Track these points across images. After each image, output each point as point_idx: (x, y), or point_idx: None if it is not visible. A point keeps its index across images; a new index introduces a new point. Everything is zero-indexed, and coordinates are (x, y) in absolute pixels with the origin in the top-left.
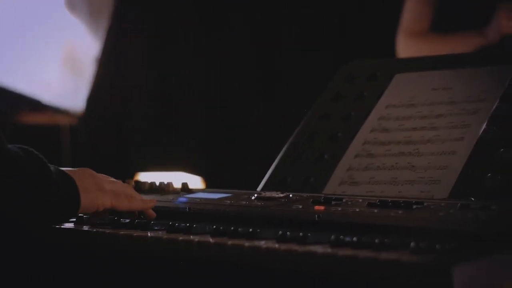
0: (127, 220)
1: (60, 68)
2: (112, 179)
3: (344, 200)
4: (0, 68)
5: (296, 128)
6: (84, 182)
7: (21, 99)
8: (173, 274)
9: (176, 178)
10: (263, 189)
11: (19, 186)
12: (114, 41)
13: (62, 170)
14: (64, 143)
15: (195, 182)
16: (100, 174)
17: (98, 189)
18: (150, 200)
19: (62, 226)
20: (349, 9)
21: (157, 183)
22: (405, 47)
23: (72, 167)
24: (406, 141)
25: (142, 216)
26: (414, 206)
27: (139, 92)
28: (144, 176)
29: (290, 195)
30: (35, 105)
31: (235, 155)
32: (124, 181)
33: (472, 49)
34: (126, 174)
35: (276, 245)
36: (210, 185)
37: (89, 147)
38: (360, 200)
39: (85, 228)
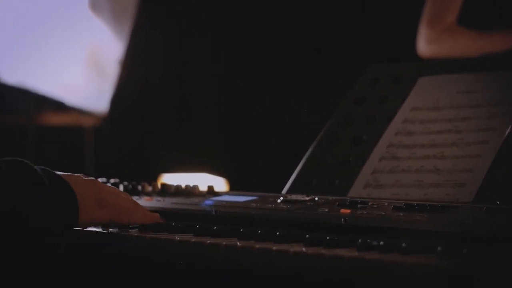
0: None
1: (84, 70)
2: (117, 191)
3: (369, 204)
4: (24, 70)
5: (315, 129)
6: (85, 197)
7: (45, 100)
8: (199, 277)
9: (200, 180)
10: (288, 191)
11: (9, 201)
12: (137, 42)
13: (64, 183)
14: (88, 144)
15: (219, 183)
16: (105, 185)
17: (97, 205)
18: (152, 215)
19: (87, 229)
20: (362, 9)
21: (183, 186)
22: (428, 40)
23: (95, 169)
24: (431, 144)
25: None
26: (440, 210)
27: (161, 93)
28: (168, 178)
29: (316, 198)
30: (58, 107)
31: (257, 156)
32: (150, 183)
33: (502, 48)
34: (148, 175)
35: (303, 249)
36: (234, 186)
37: (112, 148)
38: (386, 204)
39: (112, 231)
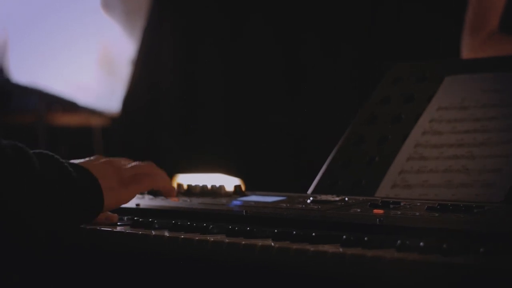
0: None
1: (96, 69)
2: (131, 162)
3: (402, 204)
4: (36, 69)
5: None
6: (107, 181)
7: (56, 100)
8: (232, 278)
9: (216, 180)
10: (314, 191)
11: (40, 191)
12: (150, 43)
13: (85, 169)
14: (98, 144)
15: (235, 183)
16: (118, 159)
17: (120, 185)
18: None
19: (117, 229)
20: (376, 8)
21: (209, 186)
22: (471, 49)
23: None
24: (459, 144)
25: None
26: (475, 210)
27: (173, 93)
28: (184, 178)
29: (346, 199)
30: (69, 106)
31: (271, 155)
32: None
33: None
34: None
35: (341, 250)
36: (249, 186)
37: (123, 148)
38: (418, 204)
39: (143, 232)
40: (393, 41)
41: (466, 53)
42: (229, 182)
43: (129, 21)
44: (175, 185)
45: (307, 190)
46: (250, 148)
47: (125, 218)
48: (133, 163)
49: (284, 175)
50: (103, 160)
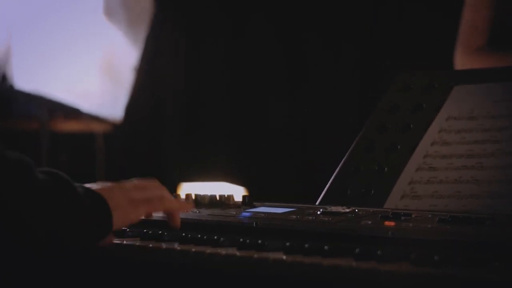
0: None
1: (98, 76)
2: (141, 183)
3: (413, 216)
4: (38, 76)
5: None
6: (115, 199)
7: (59, 107)
8: None
9: (221, 189)
10: (322, 201)
11: (49, 212)
12: (152, 49)
13: (92, 190)
14: (100, 151)
15: (239, 192)
16: (127, 182)
17: (129, 204)
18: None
19: (126, 242)
20: (378, 8)
21: (217, 197)
22: (462, 63)
23: (108, 176)
24: (468, 155)
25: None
26: (487, 222)
27: (176, 100)
28: (188, 187)
29: (356, 210)
30: (72, 113)
31: (275, 164)
32: (183, 195)
33: None
34: (163, 184)
35: (354, 264)
36: (253, 195)
37: (125, 156)
38: (430, 216)
39: (153, 245)
40: (395, 41)
41: (459, 67)
42: (235, 191)
43: (131, 28)
44: (183, 195)
45: (311, 198)
46: (253, 154)
47: (134, 229)
48: (142, 183)
49: (288, 181)
50: (112, 183)
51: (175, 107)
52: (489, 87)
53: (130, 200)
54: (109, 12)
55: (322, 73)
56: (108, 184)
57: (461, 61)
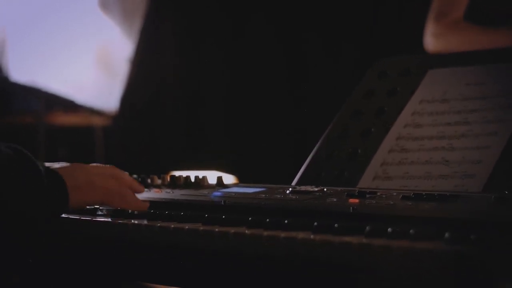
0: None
1: (94, 69)
2: (109, 173)
3: (378, 194)
4: (34, 69)
5: (324, 124)
6: (74, 180)
7: (55, 99)
8: (206, 265)
9: (210, 176)
10: (297, 183)
11: (8, 184)
12: (147, 42)
13: (52, 169)
14: (98, 143)
15: (229, 179)
16: (94, 166)
17: (88, 187)
18: (142, 202)
19: (97, 220)
20: (376, 6)
21: (192, 178)
22: (435, 35)
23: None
24: (439, 136)
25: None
26: (449, 199)
27: (171, 92)
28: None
29: (325, 189)
30: (69, 106)
31: (267, 153)
32: (159, 176)
33: (507, 44)
34: (158, 173)
35: (312, 236)
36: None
37: (122, 147)
38: (395, 194)
39: (121, 221)
40: (395, 41)
41: (430, 38)
42: (224, 178)
43: (127, 21)
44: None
45: None
46: (251, 147)
47: (104, 209)
48: (108, 174)
49: (281, 172)
50: (76, 164)
51: (170, 99)
52: (463, 70)
53: (89, 184)
54: (105, 4)
55: (321, 73)
56: (70, 165)
57: (435, 32)
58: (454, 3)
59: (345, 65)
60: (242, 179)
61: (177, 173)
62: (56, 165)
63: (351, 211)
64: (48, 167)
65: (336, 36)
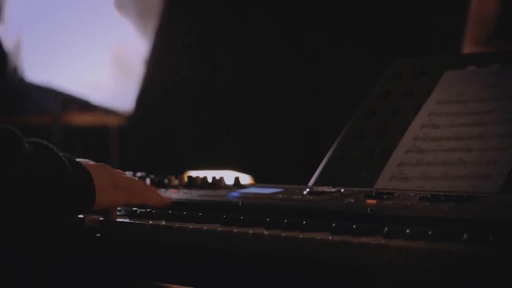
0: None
1: (109, 69)
2: (128, 175)
3: (395, 194)
4: (50, 69)
5: (339, 124)
6: (101, 181)
7: (71, 99)
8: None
9: (226, 176)
10: (314, 184)
11: (35, 183)
12: (162, 42)
13: (82, 167)
14: (113, 143)
15: (245, 179)
16: (116, 169)
17: (113, 188)
18: (164, 197)
19: (118, 220)
20: (380, 8)
21: (209, 179)
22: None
23: (120, 168)
24: (456, 137)
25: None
26: (467, 200)
27: (186, 92)
28: (194, 175)
29: (342, 190)
30: (84, 106)
31: (282, 152)
32: (176, 177)
33: None
34: (173, 173)
35: (330, 237)
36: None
37: (137, 147)
38: (412, 195)
39: (140, 221)
40: (397, 41)
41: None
42: (240, 178)
43: (142, 21)
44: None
45: None
46: (266, 147)
47: (123, 209)
48: (128, 175)
49: (297, 171)
50: (98, 163)
51: (185, 99)
52: (479, 71)
53: (114, 185)
54: (120, 4)
55: (324, 72)
56: (97, 163)
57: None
58: (483, 24)
59: (347, 64)
60: (258, 179)
61: (193, 173)
62: (82, 161)
63: (369, 212)
64: (77, 163)
65: (339, 35)
